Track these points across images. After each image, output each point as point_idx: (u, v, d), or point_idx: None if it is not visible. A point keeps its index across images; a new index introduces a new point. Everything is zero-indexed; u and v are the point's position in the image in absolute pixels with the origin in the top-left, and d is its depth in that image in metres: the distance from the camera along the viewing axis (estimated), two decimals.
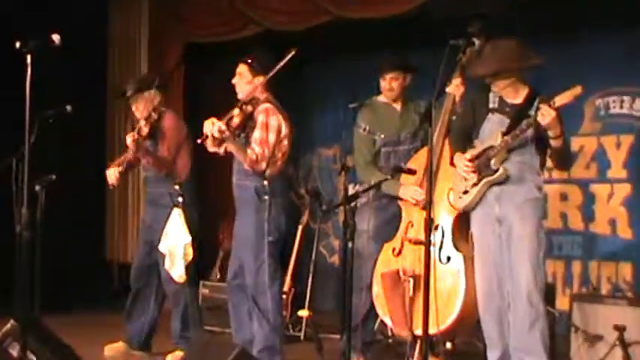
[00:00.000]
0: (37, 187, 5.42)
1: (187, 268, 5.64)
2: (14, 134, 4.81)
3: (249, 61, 5.23)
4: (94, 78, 8.46)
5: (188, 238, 5.63)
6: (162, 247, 5.66)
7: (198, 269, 6.02)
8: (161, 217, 5.71)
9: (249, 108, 5.13)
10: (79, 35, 6.06)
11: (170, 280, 5.68)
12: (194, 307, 5.82)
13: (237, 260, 5.25)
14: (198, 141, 5.09)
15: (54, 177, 5.49)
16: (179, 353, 5.70)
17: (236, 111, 5.09)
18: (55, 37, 4.25)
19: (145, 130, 5.69)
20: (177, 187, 5.70)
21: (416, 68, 5.60)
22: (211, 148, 5.19)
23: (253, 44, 7.06)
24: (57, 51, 4.33)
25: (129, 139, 5.63)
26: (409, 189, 5.27)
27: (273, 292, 5.13)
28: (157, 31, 8.44)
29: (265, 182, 5.07)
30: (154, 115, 5.74)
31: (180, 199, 5.67)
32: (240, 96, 5.23)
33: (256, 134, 5.08)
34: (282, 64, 5.02)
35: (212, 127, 4.91)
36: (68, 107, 5.46)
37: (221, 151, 5.20)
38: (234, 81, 5.26)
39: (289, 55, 4.96)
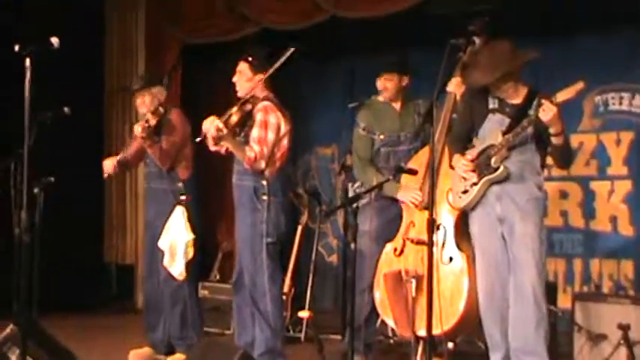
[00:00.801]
0: (36, 190, 5.38)
1: (187, 266, 5.62)
2: (11, 136, 4.78)
3: (250, 59, 5.21)
4: (91, 80, 8.43)
5: (190, 236, 5.62)
6: (161, 244, 5.64)
7: (198, 269, 5.98)
8: (162, 214, 5.70)
9: (248, 106, 5.09)
10: (76, 37, 6.03)
11: (169, 278, 5.65)
12: (194, 307, 5.76)
13: (240, 262, 5.21)
14: (197, 140, 5.05)
15: (52, 179, 5.46)
16: (180, 357, 5.65)
17: (234, 109, 5.05)
18: (54, 41, 4.22)
19: (154, 122, 5.64)
20: (180, 184, 5.70)
21: (410, 70, 5.56)
22: (212, 147, 5.16)
23: (251, 44, 7.01)
24: (55, 53, 4.30)
25: (138, 128, 5.57)
26: (408, 191, 5.26)
27: (273, 293, 5.09)
28: (154, 32, 8.40)
29: (264, 182, 5.04)
30: (161, 110, 5.71)
31: (183, 197, 5.66)
32: (240, 94, 5.20)
33: (255, 132, 5.04)
34: (282, 60, 4.99)
35: (211, 125, 4.88)
36: (66, 109, 5.43)
37: (222, 150, 5.17)
38: (234, 79, 5.24)
39: (289, 53, 4.94)
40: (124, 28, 8.66)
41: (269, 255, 5.07)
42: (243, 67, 5.21)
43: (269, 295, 5.06)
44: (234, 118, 5.05)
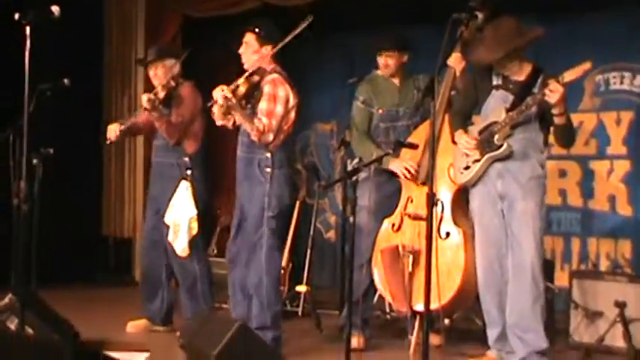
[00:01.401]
0: (35, 161, 5.37)
1: (191, 242, 5.61)
2: (10, 107, 4.76)
3: (257, 30, 5.09)
4: (90, 52, 8.39)
5: (194, 212, 5.60)
6: (167, 219, 5.63)
7: (205, 244, 6.00)
8: (168, 188, 5.67)
9: (256, 78, 5.02)
10: (75, 8, 6.00)
11: (175, 254, 5.65)
12: (205, 281, 5.74)
13: (239, 235, 5.18)
14: (208, 104, 4.99)
15: (52, 151, 5.44)
16: None
17: (241, 80, 4.98)
18: (55, 9, 4.19)
19: (162, 94, 5.62)
20: (186, 159, 5.68)
21: (410, 46, 5.54)
22: (219, 121, 5.11)
23: (257, 15, 6.94)
24: (53, 24, 4.27)
25: (145, 98, 5.53)
26: (400, 161, 5.25)
27: (270, 268, 5.04)
28: (153, 4, 8.37)
29: (268, 154, 4.98)
30: (172, 83, 5.68)
31: (189, 172, 5.64)
32: (246, 66, 5.11)
33: (263, 105, 4.97)
34: (297, 31, 4.88)
35: (219, 94, 4.84)
36: (66, 80, 5.40)
37: (229, 124, 5.12)
38: (240, 51, 5.13)
39: (306, 22, 4.84)
40: (124, 0, 8.61)
41: (270, 229, 5.01)
42: (249, 38, 5.11)
43: (265, 269, 5.01)
44: (242, 89, 4.97)
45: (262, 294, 5.02)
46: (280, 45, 5.01)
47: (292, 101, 5.08)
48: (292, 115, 5.10)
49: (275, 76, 5.06)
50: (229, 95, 4.81)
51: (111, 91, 8.68)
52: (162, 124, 5.62)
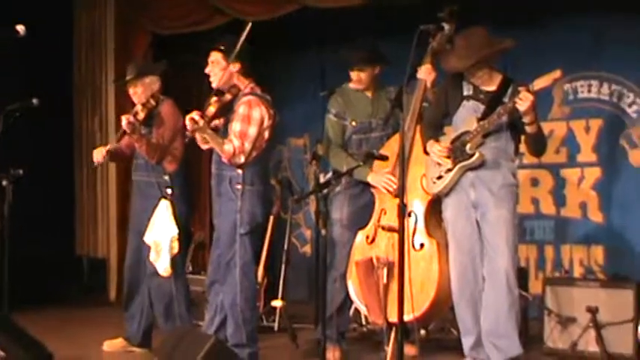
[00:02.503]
0: (5, 182, 5.34)
1: (173, 261, 5.55)
2: None
3: (222, 47, 5.02)
4: (60, 71, 8.36)
5: (175, 231, 5.52)
6: (147, 239, 5.56)
7: (184, 263, 5.95)
8: (148, 207, 5.60)
9: (228, 96, 4.94)
10: (44, 27, 5.98)
11: (154, 273, 5.58)
12: (181, 301, 5.65)
13: (214, 253, 5.15)
14: (186, 139, 4.95)
15: (21, 172, 5.41)
16: None
17: (213, 99, 4.91)
18: (20, 28, 4.19)
19: (142, 115, 5.56)
20: (166, 177, 5.62)
21: (384, 60, 5.55)
22: (203, 145, 5.04)
23: (222, 33, 6.95)
24: (22, 43, 4.27)
25: (124, 121, 5.45)
26: (380, 176, 5.25)
27: (244, 286, 4.97)
28: (123, 22, 8.33)
29: (239, 171, 4.91)
30: (152, 102, 5.63)
31: (169, 191, 5.59)
32: (214, 85, 5.03)
33: (236, 126, 4.90)
34: (242, 39, 4.82)
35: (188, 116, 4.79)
36: (35, 100, 5.37)
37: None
38: (207, 70, 5.06)
39: (247, 29, 4.80)
40: (93, 17, 8.57)
41: (242, 246, 4.94)
42: (216, 56, 5.04)
43: (239, 287, 4.95)
44: (212, 109, 4.87)
45: (237, 312, 4.96)
46: (232, 57, 4.91)
47: (267, 122, 5.00)
48: (265, 134, 5.02)
49: (250, 97, 4.98)
50: (197, 118, 4.75)
51: (82, 110, 8.62)
52: (143, 145, 5.56)
